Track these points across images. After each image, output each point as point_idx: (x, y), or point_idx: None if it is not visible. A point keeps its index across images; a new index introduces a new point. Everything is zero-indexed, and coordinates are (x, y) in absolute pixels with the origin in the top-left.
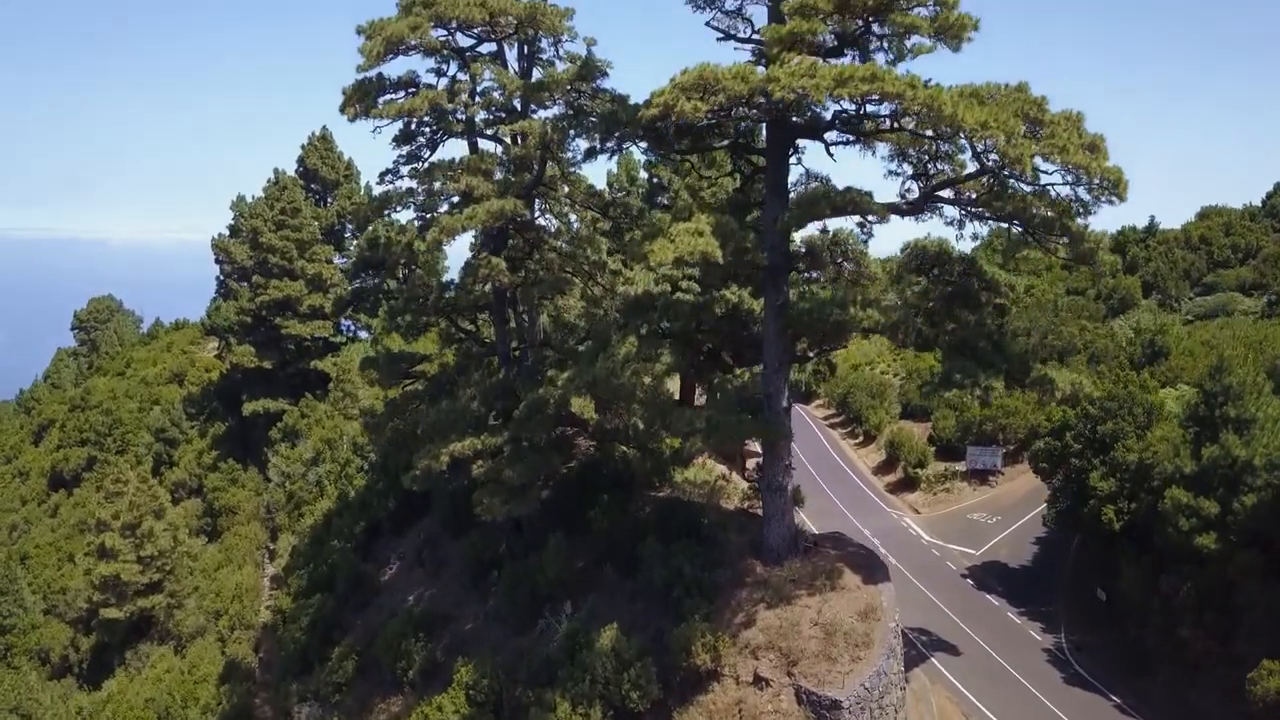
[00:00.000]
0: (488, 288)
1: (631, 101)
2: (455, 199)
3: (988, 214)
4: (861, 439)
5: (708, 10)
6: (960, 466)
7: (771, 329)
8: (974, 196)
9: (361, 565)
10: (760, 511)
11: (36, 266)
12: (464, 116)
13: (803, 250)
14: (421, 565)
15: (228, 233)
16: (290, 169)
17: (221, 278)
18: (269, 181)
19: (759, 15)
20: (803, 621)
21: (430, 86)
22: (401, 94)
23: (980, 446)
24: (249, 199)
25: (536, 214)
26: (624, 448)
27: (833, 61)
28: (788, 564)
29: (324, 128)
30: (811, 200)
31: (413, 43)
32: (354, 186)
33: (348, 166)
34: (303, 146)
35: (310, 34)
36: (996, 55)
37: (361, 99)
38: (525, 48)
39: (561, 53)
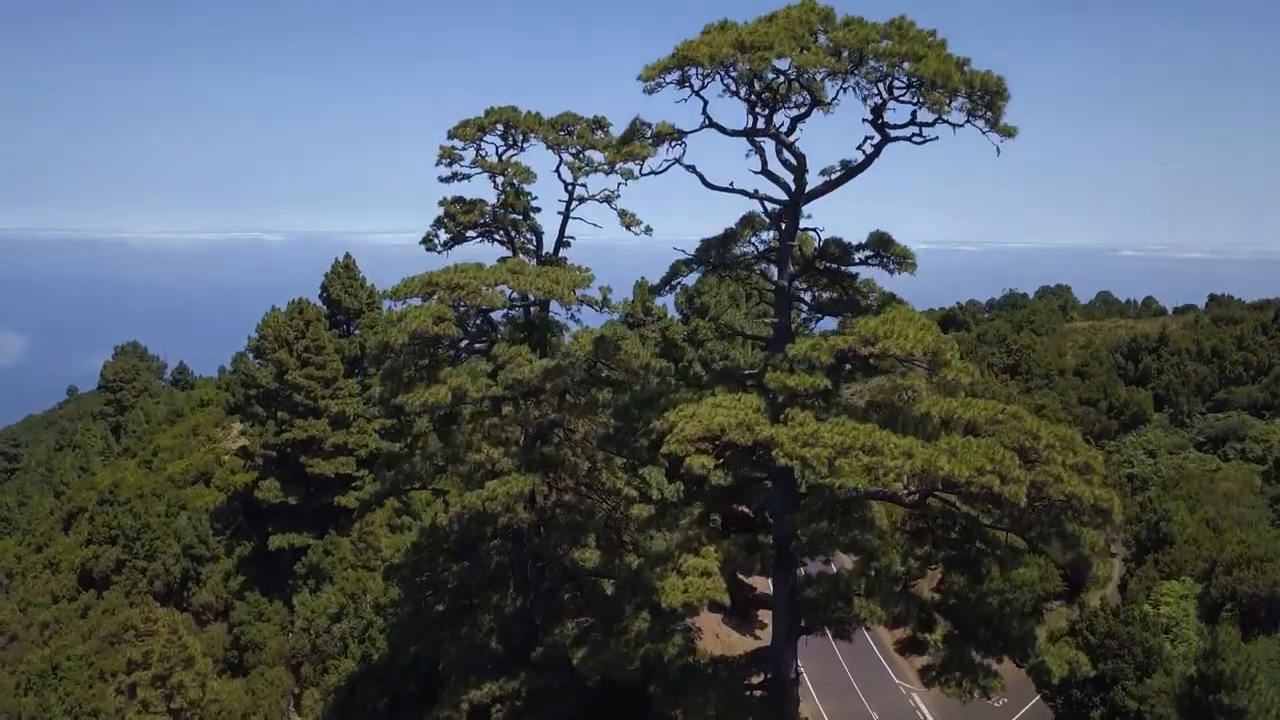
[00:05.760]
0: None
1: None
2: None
3: (987, 520)
4: None
5: (718, 274)
6: None
7: (780, 606)
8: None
9: None
10: None
11: (60, 267)
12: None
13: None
14: None
15: (252, 355)
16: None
17: (245, 400)
18: (290, 304)
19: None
20: None
21: (449, 360)
22: (423, 362)
23: None
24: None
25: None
26: None
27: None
28: None
29: (347, 255)
30: (817, 538)
31: (436, 331)
32: (377, 314)
33: (370, 294)
34: (326, 275)
35: (311, 35)
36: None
37: (388, 377)
38: (542, 309)
39: (580, 295)
